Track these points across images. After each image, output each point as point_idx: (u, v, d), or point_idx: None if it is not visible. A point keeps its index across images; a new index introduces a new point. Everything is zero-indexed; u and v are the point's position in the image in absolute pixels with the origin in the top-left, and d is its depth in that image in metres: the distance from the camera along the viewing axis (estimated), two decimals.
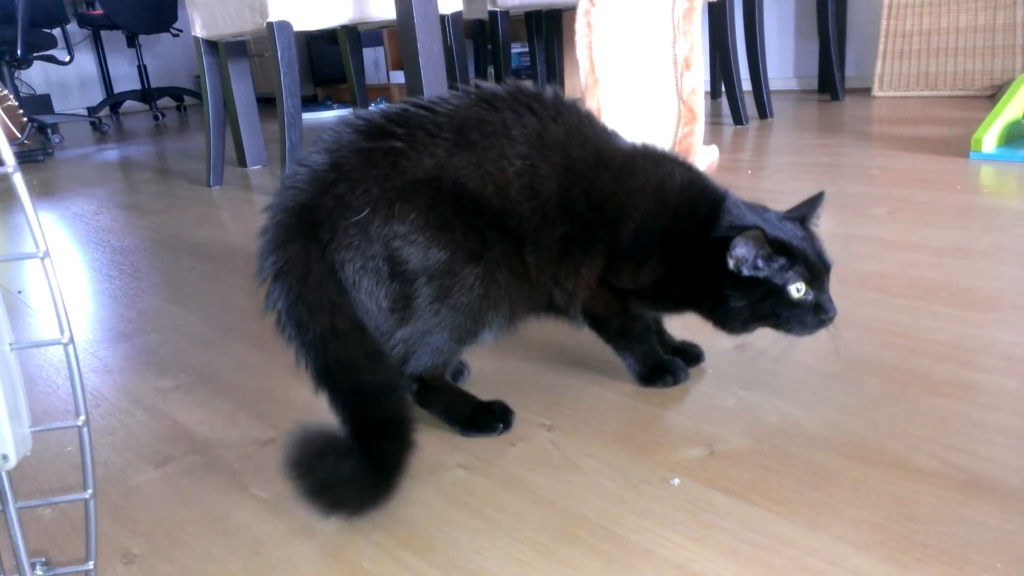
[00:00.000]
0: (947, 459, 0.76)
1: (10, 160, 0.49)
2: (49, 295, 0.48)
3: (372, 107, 0.92)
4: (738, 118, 2.95)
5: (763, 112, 3.05)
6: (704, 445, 0.82)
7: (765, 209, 0.91)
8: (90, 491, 0.47)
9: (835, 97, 3.35)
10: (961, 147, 2.12)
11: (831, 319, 0.86)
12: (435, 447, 0.87)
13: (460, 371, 1.02)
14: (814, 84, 3.77)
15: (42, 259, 0.48)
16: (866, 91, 3.44)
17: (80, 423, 0.46)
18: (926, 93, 3.21)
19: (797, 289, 0.84)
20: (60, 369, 1.20)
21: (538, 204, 0.87)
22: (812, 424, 0.85)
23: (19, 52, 4.33)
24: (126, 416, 1.02)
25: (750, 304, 0.85)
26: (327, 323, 0.82)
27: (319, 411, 0.92)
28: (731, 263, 0.84)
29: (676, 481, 0.76)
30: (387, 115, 0.88)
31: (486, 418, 0.89)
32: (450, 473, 0.82)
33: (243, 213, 2.28)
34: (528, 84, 0.92)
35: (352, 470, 0.73)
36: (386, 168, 0.84)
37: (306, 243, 0.84)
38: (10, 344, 0.49)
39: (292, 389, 1.03)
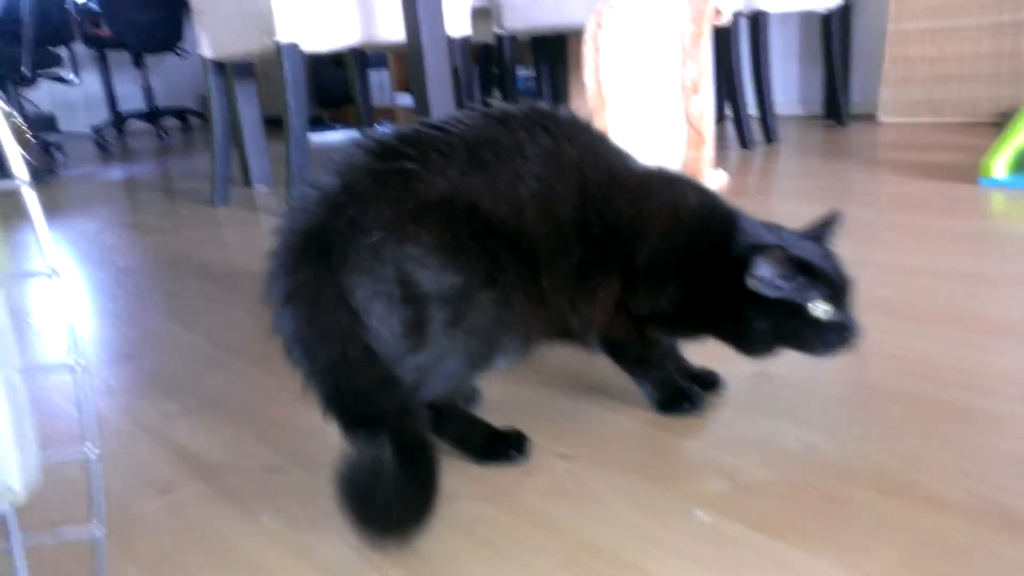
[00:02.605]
0: (978, 493, 0.74)
1: (24, 175, 0.47)
2: (53, 316, 0.46)
3: (376, 129, 0.91)
4: (744, 142, 2.94)
5: (769, 136, 3.04)
6: (726, 476, 0.80)
7: (780, 228, 0.89)
8: (102, 530, 0.44)
9: (840, 123, 3.35)
10: (969, 173, 2.11)
11: (855, 338, 0.84)
12: (449, 476, 0.84)
13: (472, 398, 0.99)
14: (819, 110, 3.76)
15: (50, 277, 0.47)
16: (871, 117, 3.44)
17: (93, 457, 0.43)
18: (931, 120, 3.20)
19: (820, 308, 0.82)
20: (63, 391, 1.18)
21: (553, 226, 0.86)
22: (835, 454, 0.82)
23: (26, 71, 4.34)
24: (129, 440, 1.00)
25: (772, 325, 0.84)
26: (337, 350, 0.80)
27: (327, 437, 0.90)
28: (751, 283, 0.82)
29: (700, 514, 0.74)
30: (399, 136, 0.87)
31: (501, 446, 0.87)
32: (464, 503, 0.79)
33: (248, 233, 2.26)
34: (542, 104, 0.90)
35: (398, 491, 0.71)
36: (399, 189, 0.83)
37: (317, 267, 0.82)
38: (17, 369, 0.47)
39: (299, 414, 1.01)
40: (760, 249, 0.81)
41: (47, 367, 0.43)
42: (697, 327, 0.91)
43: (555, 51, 3.69)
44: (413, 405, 0.80)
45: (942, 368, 1.00)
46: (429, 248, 0.82)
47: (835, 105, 3.36)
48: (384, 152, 0.85)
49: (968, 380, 0.97)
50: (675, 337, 0.95)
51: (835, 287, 0.83)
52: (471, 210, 0.83)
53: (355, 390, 0.79)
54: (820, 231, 0.89)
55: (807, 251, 0.84)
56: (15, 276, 0.44)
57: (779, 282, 0.82)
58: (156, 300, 1.66)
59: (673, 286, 0.88)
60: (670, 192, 0.91)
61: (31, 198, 0.47)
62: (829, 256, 0.86)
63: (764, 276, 0.82)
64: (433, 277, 0.82)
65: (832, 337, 0.83)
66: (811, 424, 0.90)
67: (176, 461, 0.94)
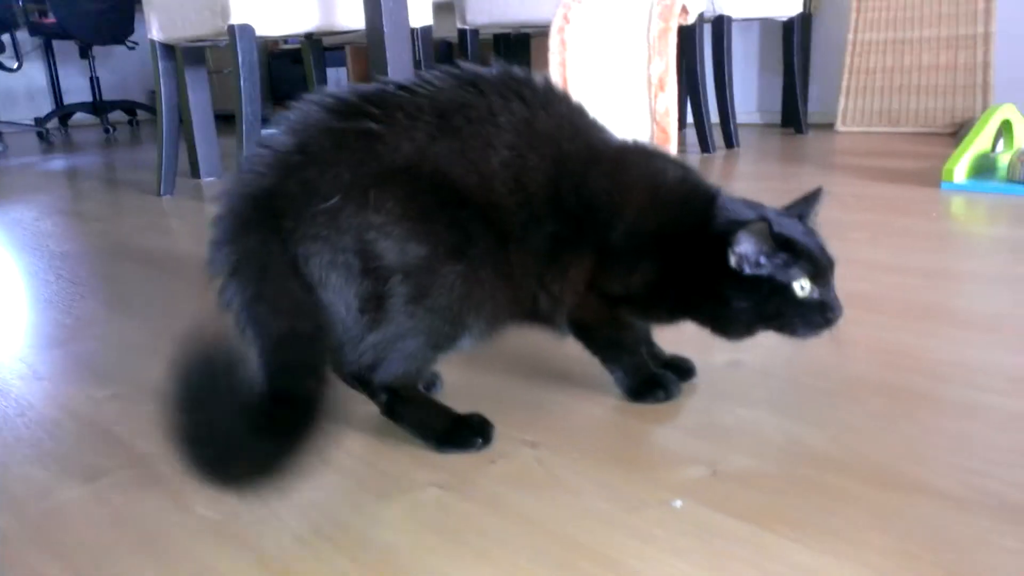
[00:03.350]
0: (970, 483, 0.70)
1: None
2: None
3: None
4: (705, 146, 2.93)
5: (729, 141, 3.03)
6: (705, 465, 0.75)
7: (761, 205, 0.85)
8: None
9: (799, 131, 3.36)
10: (929, 178, 2.12)
11: (838, 318, 0.79)
12: (406, 464, 0.78)
13: (432, 382, 0.93)
14: (777, 118, 3.79)
15: None
16: (829, 126, 3.47)
17: None
18: (888, 129, 3.23)
19: (802, 287, 0.77)
20: None
21: (525, 198, 0.80)
22: (820, 444, 0.78)
23: None
24: (54, 427, 0.91)
25: (753, 305, 0.79)
26: (287, 325, 0.73)
27: None
28: (733, 260, 0.77)
29: (679, 503, 0.68)
30: (361, 94, 0.80)
31: (464, 432, 0.80)
32: (424, 492, 0.73)
33: (194, 222, 2.16)
34: (517, 69, 0.84)
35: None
36: (360, 151, 0.76)
37: (265, 233, 0.75)
38: None
39: None
40: (742, 224, 0.76)
41: None
42: (674, 309, 0.85)
43: (518, 49, 3.66)
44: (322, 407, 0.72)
45: (925, 361, 0.97)
46: (392, 216, 0.75)
47: (794, 113, 3.38)
48: (344, 110, 0.79)
49: (953, 372, 0.93)
50: (650, 321, 0.90)
51: (818, 266, 0.78)
52: (438, 177, 0.77)
53: (295, 365, 0.72)
54: (802, 209, 0.85)
55: (789, 227, 0.80)
56: None
57: (761, 259, 0.77)
58: (93, 286, 1.56)
59: (649, 265, 0.83)
60: (648, 166, 0.86)
61: None
62: (811, 234, 0.82)
63: (746, 252, 0.77)
64: (395, 248, 0.76)
65: (815, 317, 0.79)
66: (791, 413, 0.85)
67: (105, 448, 0.85)
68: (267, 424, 0.66)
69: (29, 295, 1.52)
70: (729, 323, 0.81)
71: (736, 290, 0.79)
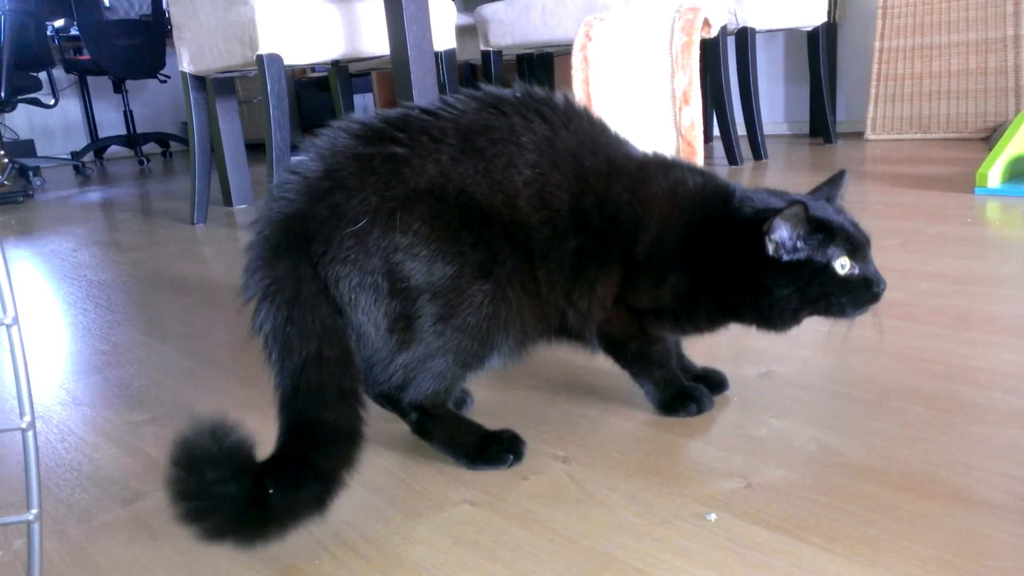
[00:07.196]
0: (1012, 490, 0.68)
1: None
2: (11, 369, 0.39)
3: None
4: (732, 159, 2.92)
5: (757, 153, 3.02)
6: (739, 477, 0.74)
7: (785, 192, 0.85)
8: (35, 511, 0.38)
9: (828, 140, 3.34)
10: (963, 184, 2.09)
11: (882, 291, 0.79)
12: (438, 481, 0.78)
13: (463, 400, 0.93)
14: (805, 129, 3.77)
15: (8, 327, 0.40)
16: (858, 135, 3.44)
17: (23, 425, 0.37)
18: (919, 136, 3.20)
19: (842, 265, 0.77)
20: None
21: (549, 215, 0.80)
22: (856, 454, 0.77)
23: (2, 94, 4.27)
24: (93, 451, 0.93)
25: (796, 290, 0.78)
26: (314, 348, 0.74)
27: None
28: (770, 248, 0.77)
29: (712, 516, 0.68)
30: (386, 119, 0.81)
31: (495, 449, 0.81)
32: (456, 509, 0.73)
33: (227, 249, 2.20)
34: (538, 89, 0.85)
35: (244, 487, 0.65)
36: (386, 175, 0.77)
37: (296, 259, 0.76)
38: None
39: (273, 424, 0.94)
40: (776, 211, 0.76)
41: None
42: (714, 314, 0.85)
43: (541, 68, 3.68)
44: (359, 428, 0.73)
45: (962, 368, 0.95)
46: (418, 237, 0.76)
47: (822, 123, 3.35)
48: (370, 135, 0.80)
49: (991, 379, 0.92)
50: (687, 332, 0.89)
51: (855, 242, 0.78)
52: (463, 198, 0.78)
53: (315, 390, 0.73)
54: (828, 191, 0.86)
55: (821, 209, 0.80)
56: None
57: (799, 243, 0.77)
58: (129, 313, 1.59)
59: (680, 275, 0.82)
60: (668, 177, 0.85)
61: None
62: (842, 212, 0.82)
63: (782, 239, 0.77)
64: (422, 268, 0.76)
65: (861, 293, 0.79)
66: (825, 424, 0.84)
67: (143, 471, 0.87)
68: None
69: (68, 323, 1.56)
70: (775, 314, 0.81)
71: (777, 278, 0.78)
